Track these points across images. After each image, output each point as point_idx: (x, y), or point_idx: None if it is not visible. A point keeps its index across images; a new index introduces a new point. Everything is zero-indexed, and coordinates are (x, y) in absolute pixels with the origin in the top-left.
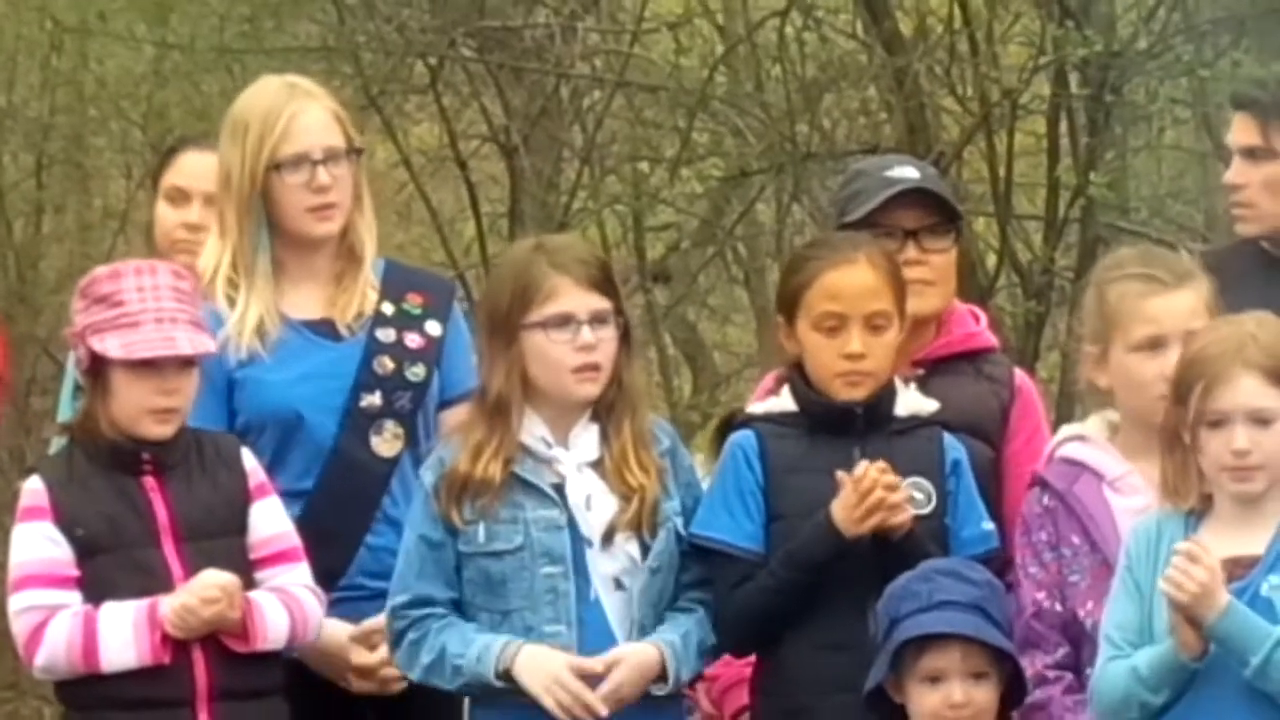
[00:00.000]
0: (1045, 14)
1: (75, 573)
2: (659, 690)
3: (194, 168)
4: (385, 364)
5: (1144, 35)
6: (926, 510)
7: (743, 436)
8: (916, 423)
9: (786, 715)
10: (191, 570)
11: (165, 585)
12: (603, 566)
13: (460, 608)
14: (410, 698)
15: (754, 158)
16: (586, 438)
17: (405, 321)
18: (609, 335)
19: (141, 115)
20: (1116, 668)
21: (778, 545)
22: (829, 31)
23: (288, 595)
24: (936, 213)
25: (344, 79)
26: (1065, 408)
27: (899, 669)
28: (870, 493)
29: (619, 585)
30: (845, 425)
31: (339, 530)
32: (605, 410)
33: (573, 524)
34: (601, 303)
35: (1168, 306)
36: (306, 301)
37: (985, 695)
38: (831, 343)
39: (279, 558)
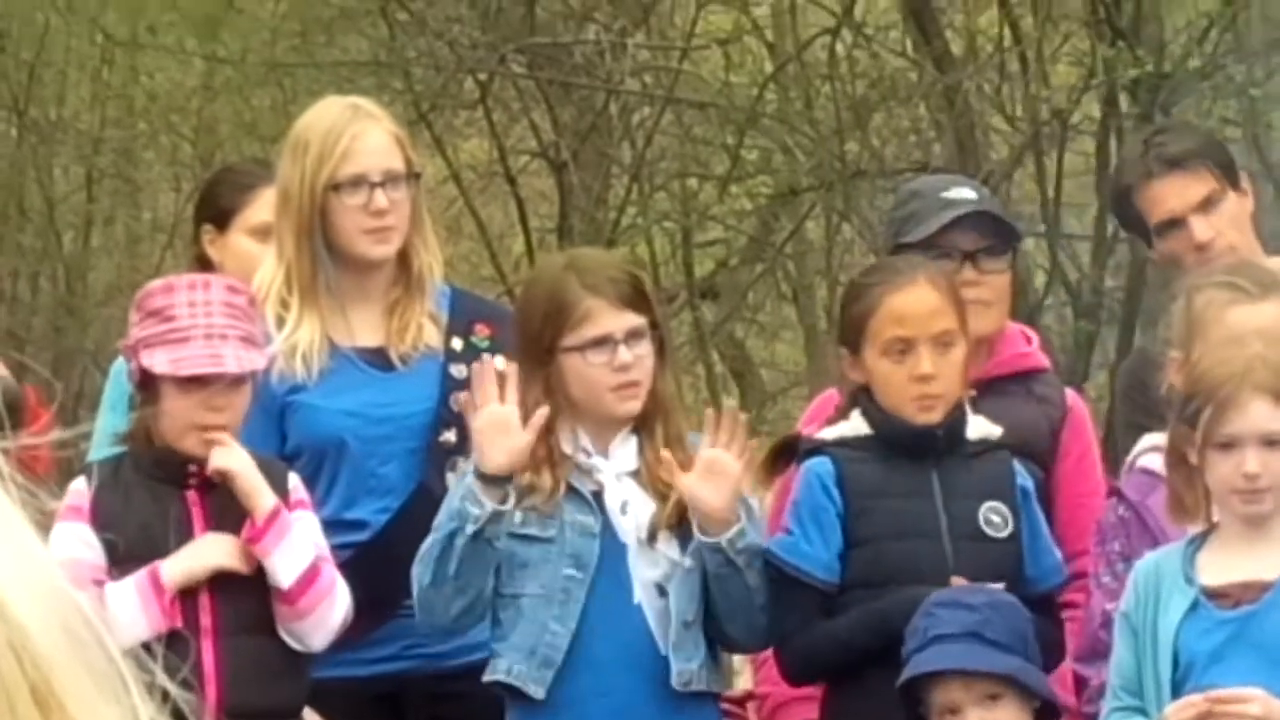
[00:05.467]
0: (1095, 34)
1: (105, 577)
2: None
3: None
4: (460, 401)
5: (1195, 55)
6: (1004, 535)
7: (818, 463)
8: (989, 446)
9: None
10: (218, 589)
11: (191, 601)
12: (644, 572)
13: None
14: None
15: (803, 175)
16: (626, 449)
17: (474, 356)
18: (645, 351)
19: (191, 129)
20: None
21: (860, 571)
22: (879, 49)
23: (321, 555)
24: (993, 234)
25: (394, 94)
26: (1113, 427)
27: (925, 707)
28: None
29: (661, 592)
30: (924, 448)
31: (409, 557)
32: (641, 420)
33: (607, 530)
34: (636, 320)
35: (1248, 317)
36: (361, 327)
37: (1007, 713)
38: (901, 367)
39: None
